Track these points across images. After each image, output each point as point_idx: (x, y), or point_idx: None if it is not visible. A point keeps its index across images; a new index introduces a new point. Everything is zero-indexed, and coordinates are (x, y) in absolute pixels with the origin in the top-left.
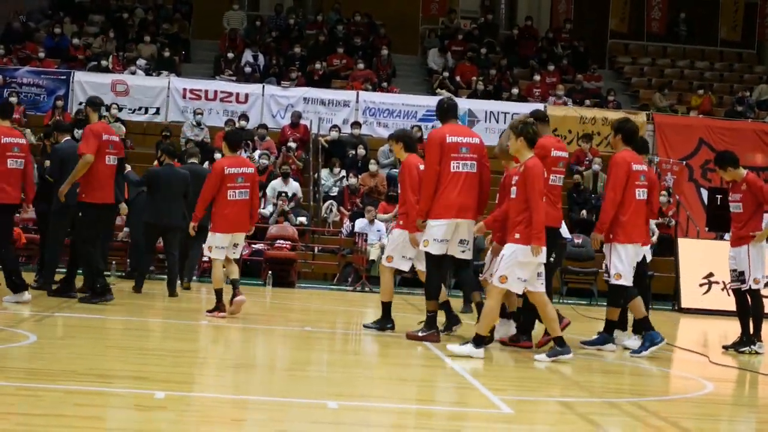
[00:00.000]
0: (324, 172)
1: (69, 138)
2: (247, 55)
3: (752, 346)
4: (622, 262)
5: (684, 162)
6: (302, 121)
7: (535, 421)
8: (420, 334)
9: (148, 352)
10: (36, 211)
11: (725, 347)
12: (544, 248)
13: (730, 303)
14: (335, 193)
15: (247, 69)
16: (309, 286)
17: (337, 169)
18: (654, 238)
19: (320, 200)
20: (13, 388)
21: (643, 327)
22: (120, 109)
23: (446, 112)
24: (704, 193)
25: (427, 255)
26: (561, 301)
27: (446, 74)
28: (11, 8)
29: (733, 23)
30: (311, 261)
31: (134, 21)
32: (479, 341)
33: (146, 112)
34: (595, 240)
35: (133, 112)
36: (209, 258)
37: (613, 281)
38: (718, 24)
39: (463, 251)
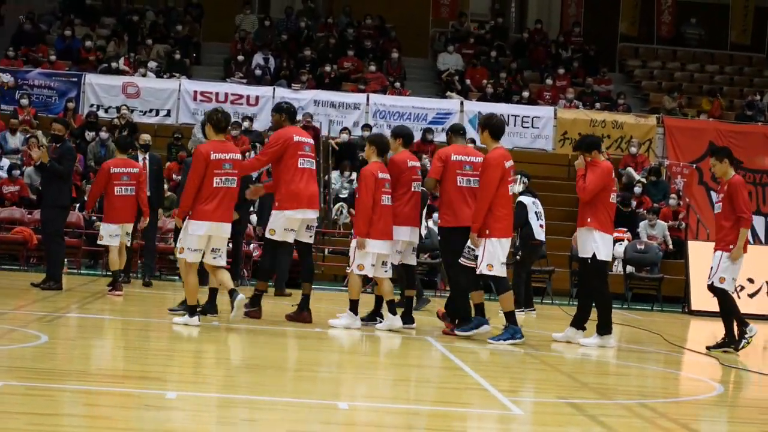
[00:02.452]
0: (334, 174)
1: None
2: (258, 58)
3: (731, 345)
4: (496, 255)
5: (694, 165)
6: (313, 123)
7: (546, 422)
8: (246, 311)
9: (159, 353)
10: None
11: (708, 347)
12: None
13: (740, 306)
14: (345, 195)
15: (258, 72)
16: (319, 287)
17: (347, 172)
18: (663, 242)
19: (331, 202)
20: (24, 388)
21: (508, 320)
22: (131, 111)
23: (291, 115)
24: (714, 196)
25: (272, 242)
26: (552, 302)
27: (453, 71)
28: (22, 11)
29: (743, 27)
30: (321, 262)
31: (145, 24)
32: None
33: (157, 114)
34: (474, 240)
35: (144, 114)
36: (105, 244)
37: (486, 272)
38: (728, 28)
39: (310, 236)
